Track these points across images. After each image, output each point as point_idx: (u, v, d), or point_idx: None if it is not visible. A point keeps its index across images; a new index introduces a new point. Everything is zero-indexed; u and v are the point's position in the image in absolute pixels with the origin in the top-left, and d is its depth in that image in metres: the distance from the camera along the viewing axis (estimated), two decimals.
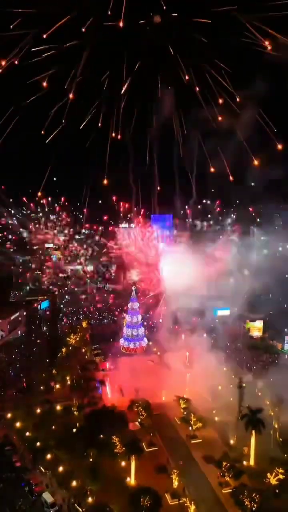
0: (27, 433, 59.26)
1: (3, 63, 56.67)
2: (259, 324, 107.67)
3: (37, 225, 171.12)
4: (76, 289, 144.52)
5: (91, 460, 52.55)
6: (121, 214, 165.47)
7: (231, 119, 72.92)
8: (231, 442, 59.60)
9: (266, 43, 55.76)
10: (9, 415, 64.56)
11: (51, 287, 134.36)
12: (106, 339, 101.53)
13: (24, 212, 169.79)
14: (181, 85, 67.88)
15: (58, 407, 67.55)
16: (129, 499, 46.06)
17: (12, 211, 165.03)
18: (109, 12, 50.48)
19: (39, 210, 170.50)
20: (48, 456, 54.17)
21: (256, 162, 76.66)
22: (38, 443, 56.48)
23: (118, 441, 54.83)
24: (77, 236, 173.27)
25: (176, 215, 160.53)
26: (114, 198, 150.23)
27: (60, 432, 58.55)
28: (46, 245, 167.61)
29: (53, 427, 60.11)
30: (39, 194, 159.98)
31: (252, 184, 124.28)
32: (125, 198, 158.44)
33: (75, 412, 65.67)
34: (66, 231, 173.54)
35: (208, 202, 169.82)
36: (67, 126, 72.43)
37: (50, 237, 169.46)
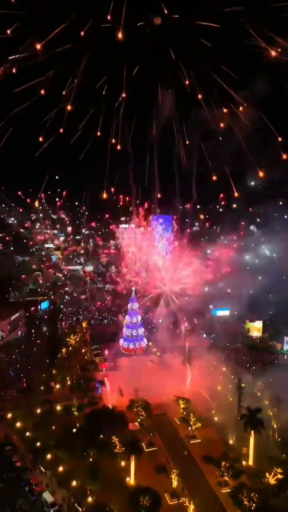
0: (27, 433, 59.44)
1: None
2: (258, 324, 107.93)
3: (37, 225, 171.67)
4: (75, 290, 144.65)
5: (91, 460, 52.75)
6: (121, 214, 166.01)
7: (234, 125, 72.76)
8: (230, 442, 59.84)
9: (271, 49, 55.54)
10: (9, 415, 64.73)
11: (46, 290, 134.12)
12: (106, 340, 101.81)
13: (24, 211, 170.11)
14: (183, 91, 67.82)
15: (58, 407, 67.77)
16: (129, 498, 46.29)
17: (12, 211, 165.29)
18: (108, 17, 50.44)
19: (39, 210, 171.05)
20: (48, 456, 54.42)
21: (261, 174, 76.68)
22: (38, 443, 56.67)
23: (118, 441, 55.05)
24: (77, 237, 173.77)
25: (176, 216, 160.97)
26: (113, 198, 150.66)
27: (60, 432, 58.65)
28: (46, 245, 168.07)
29: (53, 427, 60.24)
30: (40, 193, 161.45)
31: (252, 184, 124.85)
32: (125, 199, 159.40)
33: (75, 412, 65.85)
34: (66, 231, 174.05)
35: (208, 202, 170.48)
36: (67, 126, 72.33)
37: (50, 237, 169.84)
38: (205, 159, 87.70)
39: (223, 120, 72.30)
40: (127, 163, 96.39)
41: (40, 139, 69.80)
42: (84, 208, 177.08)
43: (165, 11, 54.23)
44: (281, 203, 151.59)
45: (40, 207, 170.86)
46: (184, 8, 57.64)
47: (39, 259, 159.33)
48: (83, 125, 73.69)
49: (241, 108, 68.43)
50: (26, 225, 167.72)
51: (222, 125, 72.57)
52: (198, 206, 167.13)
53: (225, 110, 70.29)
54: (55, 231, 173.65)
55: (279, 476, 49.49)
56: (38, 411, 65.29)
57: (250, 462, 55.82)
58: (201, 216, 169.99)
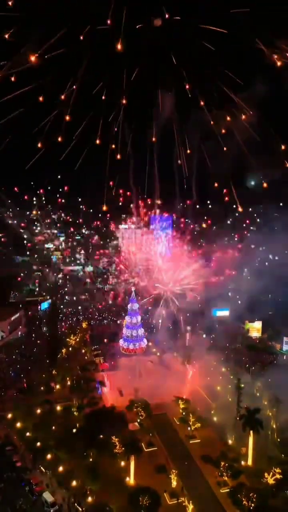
0: (28, 434, 59.65)
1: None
2: (258, 324, 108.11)
3: (37, 225, 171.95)
4: (75, 290, 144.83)
5: (90, 460, 52.99)
6: (121, 214, 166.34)
7: (235, 129, 72.73)
8: (230, 442, 60.11)
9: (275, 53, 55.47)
10: (9, 416, 64.94)
11: (43, 293, 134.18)
12: (106, 340, 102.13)
13: (24, 211, 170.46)
14: (183, 94, 67.74)
15: (58, 408, 67.97)
16: (129, 498, 46.62)
17: (12, 211, 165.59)
18: (108, 21, 50.46)
19: (38, 212, 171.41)
20: (48, 456, 54.62)
21: (265, 185, 76.91)
22: (38, 443, 56.87)
23: (118, 441, 55.28)
24: (77, 237, 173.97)
25: (176, 216, 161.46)
26: (114, 198, 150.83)
27: (60, 432, 58.91)
28: (46, 245, 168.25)
29: (53, 427, 60.45)
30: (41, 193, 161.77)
31: (252, 183, 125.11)
32: (125, 199, 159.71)
33: (75, 413, 66.05)
34: (66, 231, 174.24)
35: (208, 203, 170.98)
36: (67, 126, 72.22)
37: (49, 237, 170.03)
38: (205, 160, 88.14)
39: (225, 123, 72.36)
40: (127, 163, 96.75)
41: (39, 145, 69.90)
42: (84, 208, 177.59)
43: (166, 15, 54.29)
44: (281, 204, 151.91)
45: (40, 208, 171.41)
46: (186, 10, 57.66)
47: (39, 259, 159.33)
48: (82, 127, 73.87)
49: (243, 116, 68.28)
50: (26, 225, 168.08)
51: (223, 131, 72.61)
52: (197, 206, 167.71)
53: (228, 118, 70.24)
54: (55, 231, 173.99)
55: (278, 476, 49.71)
56: (38, 411, 65.46)
57: (249, 462, 56.07)
58: (201, 217, 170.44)
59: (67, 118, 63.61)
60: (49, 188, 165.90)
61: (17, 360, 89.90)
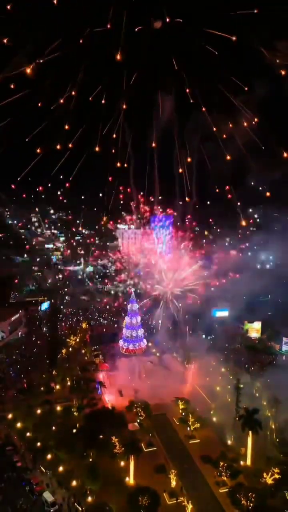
0: (28, 434, 59.99)
1: None
2: (257, 325, 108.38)
3: (37, 225, 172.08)
4: (75, 290, 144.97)
5: (90, 460, 53.29)
6: (121, 214, 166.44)
7: (236, 133, 72.69)
8: (229, 442, 60.43)
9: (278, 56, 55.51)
10: (10, 416, 65.19)
11: (44, 296, 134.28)
12: (106, 340, 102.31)
13: (24, 211, 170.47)
14: (183, 97, 67.78)
15: (58, 408, 68.29)
16: (128, 498, 46.93)
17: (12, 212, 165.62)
18: (108, 25, 50.71)
19: (38, 213, 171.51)
20: (49, 456, 54.98)
21: (268, 194, 77.14)
22: (38, 444, 57.24)
23: (118, 441, 55.59)
24: (77, 237, 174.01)
25: (176, 217, 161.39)
26: (114, 199, 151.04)
27: (60, 432, 59.20)
28: (46, 246, 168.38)
29: (53, 427, 60.80)
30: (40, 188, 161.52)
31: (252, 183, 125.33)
32: (125, 199, 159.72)
33: (75, 413, 66.35)
34: (66, 231, 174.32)
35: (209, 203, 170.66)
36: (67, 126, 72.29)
37: (49, 237, 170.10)
38: (205, 162, 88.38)
39: (227, 127, 72.46)
40: (127, 166, 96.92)
41: (38, 150, 70.04)
42: (84, 208, 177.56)
43: (167, 18, 54.45)
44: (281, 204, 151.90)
45: (39, 208, 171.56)
46: (189, 13, 57.65)
47: (39, 259, 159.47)
48: (81, 131, 74.05)
49: (245, 124, 68.25)
50: (26, 225, 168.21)
51: (224, 136, 72.68)
52: (197, 207, 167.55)
53: (230, 125, 70.31)
54: (55, 231, 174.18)
55: (277, 476, 50.03)
56: (38, 411, 65.78)
57: (248, 462, 56.38)
58: (201, 217, 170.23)
59: (66, 127, 63.74)
60: (49, 185, 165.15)
61: (17, 361, 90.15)
